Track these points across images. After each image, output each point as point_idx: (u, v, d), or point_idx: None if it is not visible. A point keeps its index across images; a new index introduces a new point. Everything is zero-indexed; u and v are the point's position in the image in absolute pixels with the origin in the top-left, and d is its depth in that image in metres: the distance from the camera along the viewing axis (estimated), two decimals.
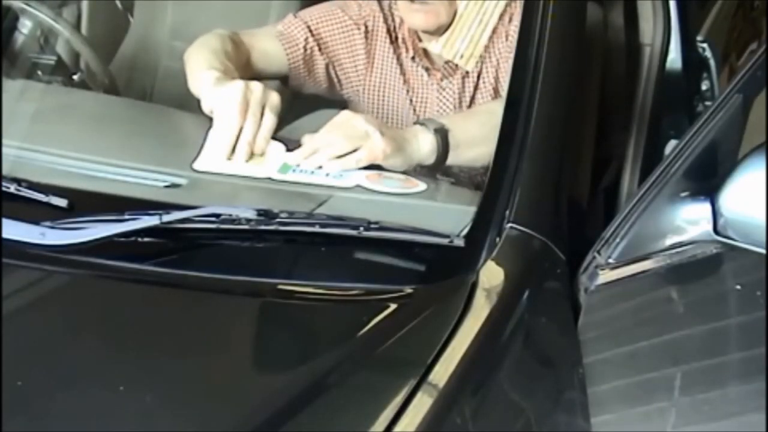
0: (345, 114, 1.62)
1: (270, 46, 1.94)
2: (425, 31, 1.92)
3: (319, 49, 1.96)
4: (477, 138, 1.68)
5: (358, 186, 1.53)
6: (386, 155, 1.56)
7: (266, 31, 1.99)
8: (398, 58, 1.98)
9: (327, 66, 1.98)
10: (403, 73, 1.98)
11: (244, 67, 1.86)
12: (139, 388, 1.17)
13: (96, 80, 2.35)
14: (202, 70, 1.71)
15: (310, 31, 1.95)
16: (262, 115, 1.59)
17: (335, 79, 2.01)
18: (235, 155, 1.56)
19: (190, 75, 1.76)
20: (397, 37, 1.98)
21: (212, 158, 1.57)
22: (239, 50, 1.86)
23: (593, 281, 1.43)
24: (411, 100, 1.98)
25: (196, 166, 1.55)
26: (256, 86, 1.61)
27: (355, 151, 1.56)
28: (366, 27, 1.97)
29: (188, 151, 1.61)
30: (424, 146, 1.63)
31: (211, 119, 1.63)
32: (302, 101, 2.33)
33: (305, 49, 1.94)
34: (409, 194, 1.53)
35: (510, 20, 1.91)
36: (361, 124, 1.58)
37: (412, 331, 1.26)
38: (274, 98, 1.62)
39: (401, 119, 1.99)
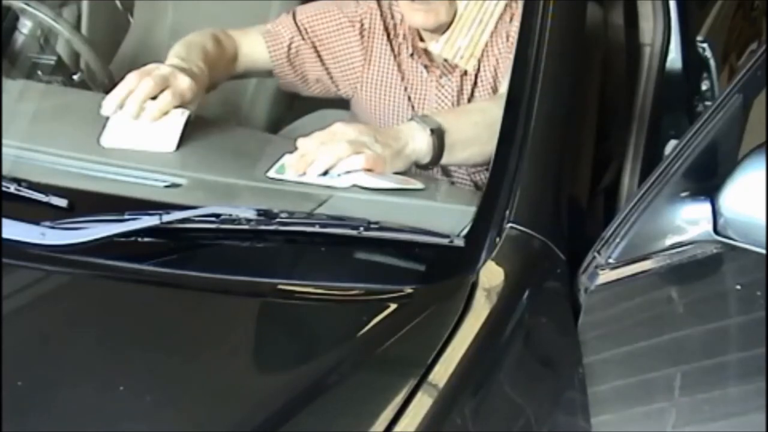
0: (338, 125, 1.60)
1: (255, 44, 1.96)
2: (425, 30, 1.93)
3: (313, 47, 1.96)
4: (470, 138, 1.68)
5: (354, 186, 1.52)
6: (385, 164, 1.56)
7: (256, 29, 2.01)
8: (397, 56, 1.98)
9: (317, 63, 1.98)
10: (401, 70, 1.98)
11: (226, 64, 1.91)
12: (139, 388, 1.17)
13: (96, 80, 2.35)
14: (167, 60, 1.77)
15: (301, 29, 1.96)
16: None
17: (327, 77, 2.01)
18: (123, 110, 1.63)
19: None
20: (396, 34, 1.98)
21: (117, 133, 1.62)
22: (222, 48, 1.90)
23: (593, 281, 1.43)
24: (409, 97, 1.99)
25: (103, 142, 1.60)
26: (165, 68, 1.70)
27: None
28: (362, 24, 1.97)
29: (188, 151, 1.61)
30: (420, 146, 1.62)
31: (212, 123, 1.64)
32: (302, 101, 2.33)
33: (290, 48, 1.95)
34: (405, 189, 1.52)
35: (511, 20, 1.91)
36: (356, 135, 1.57)
37: (412, 331, 1.26)
38: (182, 84, 1.67)
39: (399, 116, 1.99)
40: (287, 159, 1.56)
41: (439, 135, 1.63)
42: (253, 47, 1.96)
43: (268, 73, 2.01)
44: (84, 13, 2.69)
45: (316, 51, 1.97)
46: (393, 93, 1.99)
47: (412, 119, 1.67)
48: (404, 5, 1.91)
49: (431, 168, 1.67)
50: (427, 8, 1.88)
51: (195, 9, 2.64)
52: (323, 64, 1.99)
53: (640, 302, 1.45)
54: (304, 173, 1.54)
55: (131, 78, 1.66)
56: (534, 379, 1.34)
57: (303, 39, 1.96)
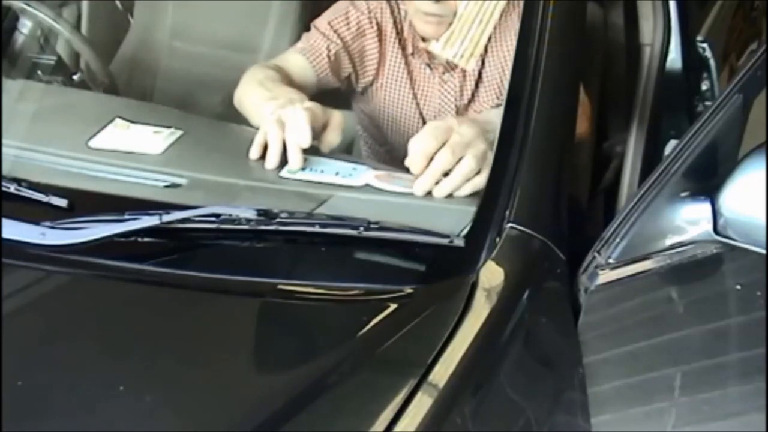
0: (453, 121, 1.58)
1: (298, 64, 1.94)
2: (433, 38, 1.93)
3: (345, 49, 1.97)
4: None
5: (367, 185, 1.53)
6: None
7: (290, 53, 1.99)
8: (403, 51, 1.99)
9: (349, 64, 1.99)
10: (407, 64, 1.99)
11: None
12: (138, 388, 1.17)
13: (96, 80, 2.35)
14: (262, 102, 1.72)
15: (329, 35, 1.96)
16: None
17: (354, 74, 2.02)
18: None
19: (252, 110, 1.76)
20: (403, 29, 1.99)
21: (108, 137, 1.60)
22: (282, 77, 1.87)
23: (593, 281, 1.43)
24: (414, 94, 1.99)
25: (92, 144, 1.60)
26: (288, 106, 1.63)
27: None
28: (376, 20, 1.98)
29: (187, 151, 1.61)
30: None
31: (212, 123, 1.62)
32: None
33: (329, 57, 1.95)
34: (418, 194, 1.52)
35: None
36: (474, 138, 1.53)
37: (412, 331, 1.26)
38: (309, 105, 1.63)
39: (404, 112, 2.00)
40: (407, 162, 1.54)
41: None
42: (298, 68, 1.94)
43: (314, 90, 1.98)
44: (84, 13, 2.69)
45: (348, 52, 1.98)
46: (400, 89, 2.00)
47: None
48: (415, 15, 1.91)
49: None
50: (439, 20, 1.88)
51: (195, 9, 2.64)
52: (353, 63, 1.99)
53: (640, 302, 1.45)
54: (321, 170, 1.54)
55: (273, 129, 1.58)
56: (534, 379, 1.34)
57: (335, 43, 1.96)
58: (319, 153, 1.60)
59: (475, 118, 1.66)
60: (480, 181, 1.51)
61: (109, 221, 1.38)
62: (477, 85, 1.96)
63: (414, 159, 1.53)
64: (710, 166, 1.49)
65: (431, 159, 1.51)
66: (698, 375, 1.35)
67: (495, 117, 1.65)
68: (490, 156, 1.53)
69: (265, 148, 1.59)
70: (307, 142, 1.55)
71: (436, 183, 1.51)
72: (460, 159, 1.51)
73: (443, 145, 1.51)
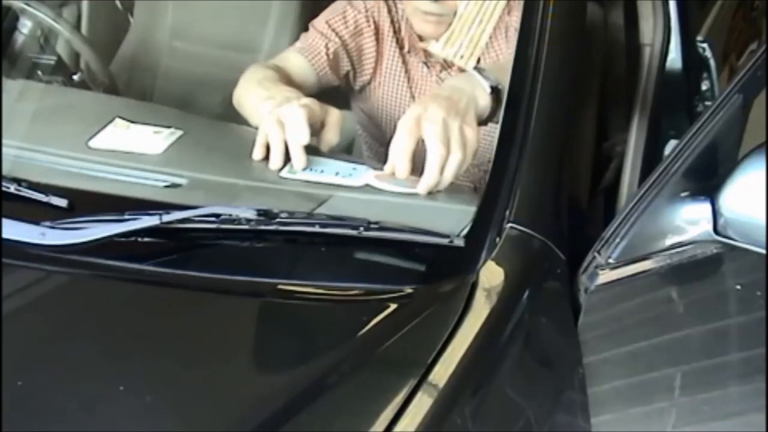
0: (417, 110, 1.54)
1: (297, 64, 1.94)
2: (431, 38, 1.93)
3: (344, 46, 1.97)
4: None
5: (367, 185, 1.53)
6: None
7: (288, 53, 1.99)
8: (400, 50, 1.99)
9: (347, 62, 1.99)
10: (404, 63, 1.99)
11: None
12: (139, 388, 1.17)
13: (96, 80, 2.36)
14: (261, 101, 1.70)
15: (328, 34, 1.96)
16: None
17: (353, 72, 2.02)
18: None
19: (251, 110, 1.75)
20: (400, 28, 1.99)
21: (108, 137, 1.60)
22: (281, 77, 1.87)
23: (593, 281, 1.43)
24: (412, 93, 2.00)
25: (92, 144, 1.59)
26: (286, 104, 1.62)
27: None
28: (373, 19, 1.98)
29: (187, 151, 1.61)
30: (481, 106, 1.59)
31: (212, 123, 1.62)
32: None
33: (328, 55, 1.95)
34: (418, 194, 1.52)
35: (509, 12, 1.91)
36: (446, 117, 1.51)
37: (412, 331, 1.26)
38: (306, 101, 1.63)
39: (402, 110, 2.00)
40: (387, 168, 1.53)
41: (498, 95, 1.60)
42: (297, 68, 1.94)
43: (314, 90, 1.98)
44: (84, 13, 2.70)
45: (346, 50, 1.98)
46: (397, 88, 2.00)
47: (474, 68, 1.64)
48: (414, 14, 1.91)
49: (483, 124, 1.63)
50: (438, 20, 1.88)
51: (195, 9, 2.64)
52: (351, 62, 2.00)
53: (640, 302, 1.45)
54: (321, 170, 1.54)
55: (273, 130, 1.57)
56: (534, 379, 1.34)
57: (334, 42, 1.96)
58: (319, 153, 1.60)
59: (437, 93, 1.64)
60: (466, 164, 1.52)
61: (109, 221, 1.38)
62: None
63: (399, 163, 1.51)
64: (710, 166, 1.49)
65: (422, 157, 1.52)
66: (698, 375, 1.35)
67: (461, 83, 1.64)
68: (466, 129, 1.51)
69: (268, 148, 1.59)
70: (305, 138, 1.55)
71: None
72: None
73: (420, 137, 1.50)
